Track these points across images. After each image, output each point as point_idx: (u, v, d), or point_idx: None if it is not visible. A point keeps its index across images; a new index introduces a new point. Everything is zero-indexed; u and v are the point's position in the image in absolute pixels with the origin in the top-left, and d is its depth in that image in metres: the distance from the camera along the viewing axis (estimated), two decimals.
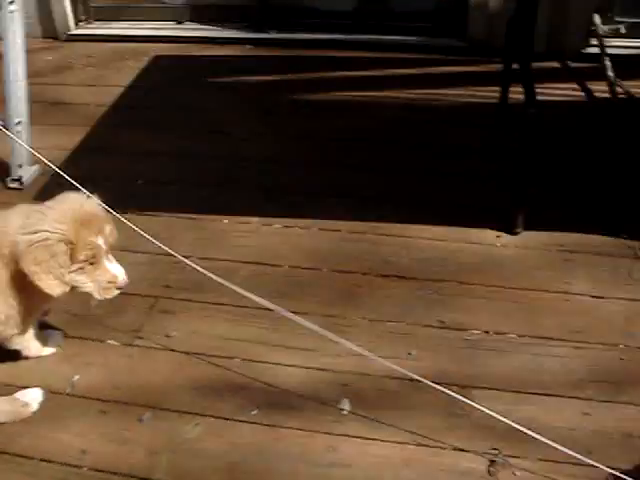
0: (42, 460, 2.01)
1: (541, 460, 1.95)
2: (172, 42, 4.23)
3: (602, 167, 3.03)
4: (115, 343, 2.35)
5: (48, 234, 1.95)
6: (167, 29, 4.33)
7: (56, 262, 1.96)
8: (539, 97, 3.30)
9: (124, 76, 3.88)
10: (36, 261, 1.94)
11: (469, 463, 1.95)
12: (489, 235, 2.66)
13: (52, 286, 1.98)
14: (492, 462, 1.94)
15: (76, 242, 1.97)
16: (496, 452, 1.96)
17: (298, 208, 2.79)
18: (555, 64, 3.83)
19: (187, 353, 2.29)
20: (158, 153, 3.24)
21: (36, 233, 1.95)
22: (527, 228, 2.67)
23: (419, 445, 1.99)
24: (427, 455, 1.97)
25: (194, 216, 2.85)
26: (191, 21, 4.36)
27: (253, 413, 2.10)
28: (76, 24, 4.40)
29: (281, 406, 2.12)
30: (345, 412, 2.08)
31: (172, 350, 2.31)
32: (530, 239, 2.64)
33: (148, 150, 3.27)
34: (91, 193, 2.15)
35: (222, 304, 2.44)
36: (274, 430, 2.06)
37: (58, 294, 2.01)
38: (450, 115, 3.43)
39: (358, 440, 2.02)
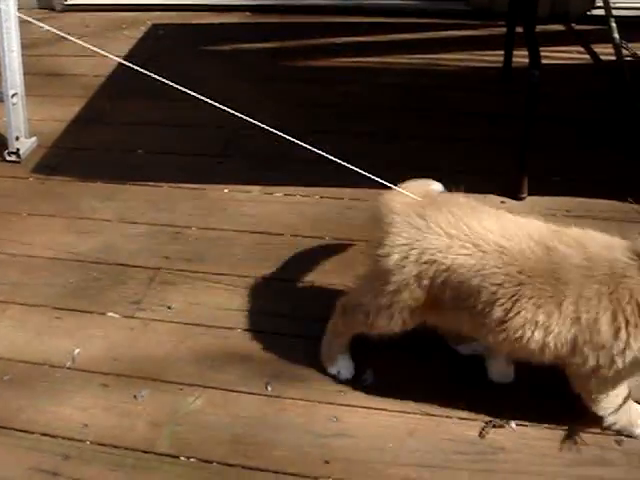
0: (43, 434, 1.99)
1: (552, 429, 1.93)
2: (169, 10, 4.16)
3: (607, 131, 2.98)
4: (116, 315, 2.32)
5: None
6: None
7: None
8: (544, 61, 3.26)
9: (121, 46, 3.82)
10: None
11: (475, 432, 1.92)
12: (494, 201, 2.61)
13: None
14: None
15: None
16: (503, 422, 1.94)
17: (299, 176, 2.74)
18: (560, 27, 3.76)
19: (188, 324, 2.27)
20: (157, 123, 3.19)
21: None
22: (532, 193, 2.63)
23: (425, 415, 1.97)
24: (432, 425, 1.95)
25: (195, 186, 2.80)
26: None
27: (256, 384, 2.08)
28: None
29: (284, 376, 2.09)
30: (367, 383, 2.06)
31: (173, 322, 2.28)
32: (535, 204, 2.59)
33: (147, 120, 3.23)
34: None
35: (222, 274, 2.41)
36: (277, 401, 2.04)
37: None
38: (453, 80, 3.37)
39: (362, 410, 1.99)
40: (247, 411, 2.02)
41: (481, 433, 1.92)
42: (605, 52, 3.52)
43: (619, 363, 1.72)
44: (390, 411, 1.98)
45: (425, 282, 1.82)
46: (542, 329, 1.73)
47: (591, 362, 1.74)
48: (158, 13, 4.15)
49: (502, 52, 3.30)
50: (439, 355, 2.09)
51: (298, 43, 3.76)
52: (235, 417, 2.01)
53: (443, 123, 3.07)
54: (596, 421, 1.91)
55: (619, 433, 1.90)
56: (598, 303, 1.69)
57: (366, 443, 1.92)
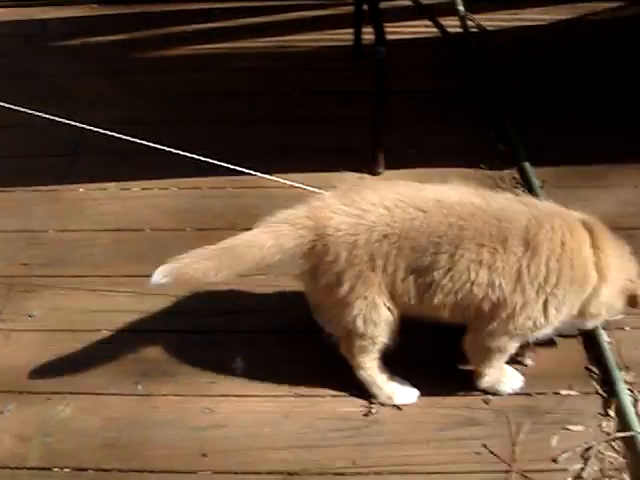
0: None
1: (422, 396, 1.97)
2: (10, 7, 3.98)
3: (457, 102, 3.06)
4: None
5: None
6: None
7: None
8: (393, 36, 3.31)
9: None
10: None
11: (348, 408, 1.95)
12: (351, 178, 2.64)
13: None
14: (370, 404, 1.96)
15: None
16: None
17: (155, 169, 2.69)
18: (407, 2, 3.81)
19: (51, 331, 2.19)
20: (3, 125, 3.05)
21: None
22: (389, 167, 2.67)
23: (297, 396, 1.98)
24: (306, 405, 1.96)
25: (48, 188, 2.71)
26: None
27: (126, 385, 2.03)
28: None
29: (154, 374, 2.06)
30: (239, 371, 2.05)
31: (35, 330, 2.21)
32: (392, 178, 2.63)
33: None
34: None
35: (83, 276, 2.35)
36: (149, 399, 2.01)
37: None
38: (306, 61, 3.38)
39: (235, 399, 1.99)
40: (119, 413, 1.98)
41: (367, 413, 1.95)
42: (452, 24, 3.61)
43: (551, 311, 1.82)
44: (263, 396, 1.99)
45: (379, 262, 1.80)
46: (486, 267, 1.77)
47: (531, 301, 1.79)
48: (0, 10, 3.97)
49: (352, 30, 3.33)
50: (308, 337, 2.10)
51: (148, 33, 3.68)
52: (107, 420, 1.96)
53: (298, 104, 3.07)
54: (462, 384, 1.98)
55: (485, 392, 1.96)
56: (547, 246, 1.77)
57: (242, 431, 1.91)
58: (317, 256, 1.82)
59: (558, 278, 1.78)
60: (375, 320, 1.86)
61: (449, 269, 1.79)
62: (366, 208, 1.81)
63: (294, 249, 1.83)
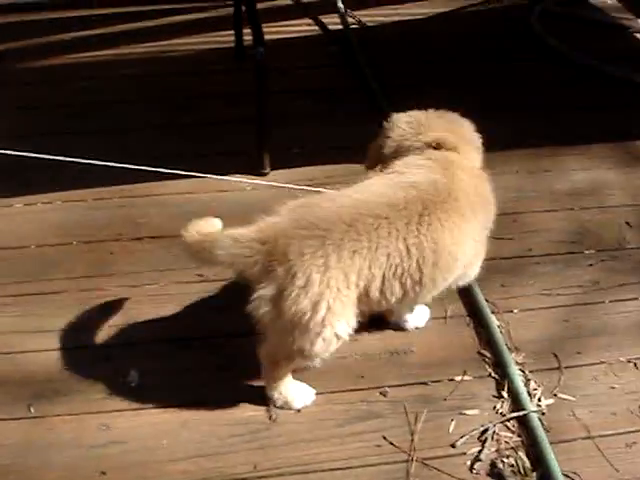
0: None
1: (319, 394, 1.98)
2: None
3: (341, 98, 3.09)
4: None
5: None
6: None
7: None
8: (276, 36, 3.33)
9: None
10: None
11: (247, 412, 1.94)
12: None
13: None
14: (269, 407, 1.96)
15: None
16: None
17: (37, 183, 2.61)
18: (288, 1, 3.84)
19: None
20: None
21: None
22: (275, 167, 2.68)
23: (195, 404, 1.95)
24: (204, 413, 1.94)
25: None
26: None
27: (18, 409, 1.96)
28: None
29: (47, 394, 1.99)
30: (133, 384, 2.00)
31: None
32: (279, 178, 2.64)
33: None
34: None
35: None
36: (43, 421, 1.94)
37: None
38: (189, 65, 3.36)
39: (131, 413, 1.95)
40: (12, 439, 1.91)
41: (270, 417, 1.94)
42: (333, 22, 3.65)
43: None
44: (160, 408, 1.95)
45: (353, 278, 1.75)
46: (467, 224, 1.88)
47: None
48: None
49: (233, 32, 3.32)
50: (202, 344, 2.10)
51: (25, 43, 3.56)
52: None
53: (183, 109, 3.05)
54: (357, 379, 2.01)
55: (380, 386, 2.00)
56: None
57: (140, 445, 1.88)
58: (280, 281, 1.73)
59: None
60: (339, 337, 1.81)
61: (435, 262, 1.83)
62: (326, 227, 1.74)
63: (233, 264, 1.79)
